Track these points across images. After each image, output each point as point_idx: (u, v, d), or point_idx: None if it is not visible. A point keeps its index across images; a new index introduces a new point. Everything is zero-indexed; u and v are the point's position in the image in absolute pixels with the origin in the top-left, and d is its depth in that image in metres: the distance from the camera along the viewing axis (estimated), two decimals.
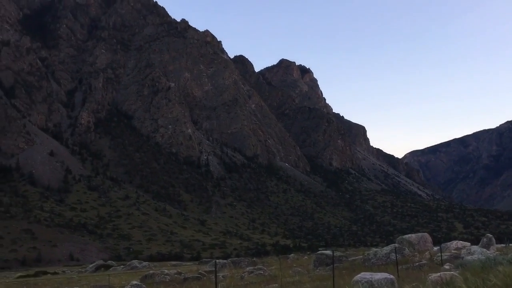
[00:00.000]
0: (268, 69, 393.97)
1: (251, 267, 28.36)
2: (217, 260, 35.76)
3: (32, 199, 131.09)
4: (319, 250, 31.89)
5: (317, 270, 21.99)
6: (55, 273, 60.48)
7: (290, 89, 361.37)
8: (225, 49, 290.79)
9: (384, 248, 22.93)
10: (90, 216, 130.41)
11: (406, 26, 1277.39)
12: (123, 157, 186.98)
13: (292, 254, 54.81)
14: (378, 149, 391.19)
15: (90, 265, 61.63)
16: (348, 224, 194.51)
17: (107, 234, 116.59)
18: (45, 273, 60.76)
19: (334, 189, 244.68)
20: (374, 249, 27.54)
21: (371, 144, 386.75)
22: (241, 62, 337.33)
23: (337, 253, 25.59)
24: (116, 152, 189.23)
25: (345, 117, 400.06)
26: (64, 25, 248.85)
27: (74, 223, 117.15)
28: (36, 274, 58.73)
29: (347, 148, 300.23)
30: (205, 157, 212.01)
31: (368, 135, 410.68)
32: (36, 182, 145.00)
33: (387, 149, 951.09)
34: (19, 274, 59.91)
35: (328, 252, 24.69)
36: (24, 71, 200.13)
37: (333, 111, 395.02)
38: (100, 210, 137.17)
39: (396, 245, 22.64)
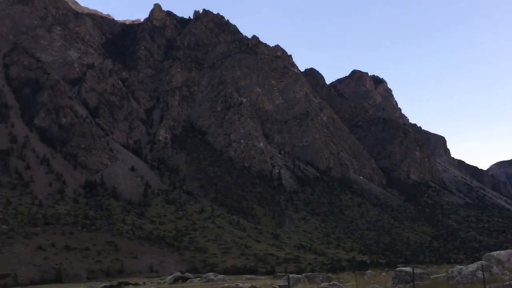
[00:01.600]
0: (339, 80, 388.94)
1: (326, 283, 27.54)
2: (291, 275, 35.16)
3: (115, 213, 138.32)
4: (398, 267, 30.36)
5: None
6: (137, 284, 62.92)
7: (363, 100, 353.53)
8: (295, 62, 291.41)
9: (470, 265, 21.25)
10: (168, 229, 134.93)
11: (483, 29, 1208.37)
12: (198, 172, 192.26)
13: (369, 271, 52.83)
14: (460, 160, 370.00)
15: (169, 277, 63.43)
16: (429, 240, 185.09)
17: (184, 247, 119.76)
18: (127, 283, 63.31)
19: (413, 203, 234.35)
20: (459, 266, 25.65)
21: (452, 156, 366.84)
22: (312, 74, 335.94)
23: (418, 270, 24.13)
24: (192, 167, 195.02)
25: (423, 128, 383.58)
26: (143, 47, 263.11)
27: (153, 235, 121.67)
28: (119, 285, 61.46)
29: (426, 160, 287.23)
30: (277, 171, 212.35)
31: (449, 145, 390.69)
32: (118, 196, 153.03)
33: (470, 161, 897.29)
34: (103, 284, 63.04)
35: (408, 269, 23.35)
36: (107, 91, 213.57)
37: (410, 121, 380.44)
38: (177, 223, 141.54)
39: (483, 262, 20.92)
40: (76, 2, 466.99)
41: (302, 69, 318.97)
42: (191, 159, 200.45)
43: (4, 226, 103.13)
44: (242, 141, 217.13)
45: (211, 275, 56.57)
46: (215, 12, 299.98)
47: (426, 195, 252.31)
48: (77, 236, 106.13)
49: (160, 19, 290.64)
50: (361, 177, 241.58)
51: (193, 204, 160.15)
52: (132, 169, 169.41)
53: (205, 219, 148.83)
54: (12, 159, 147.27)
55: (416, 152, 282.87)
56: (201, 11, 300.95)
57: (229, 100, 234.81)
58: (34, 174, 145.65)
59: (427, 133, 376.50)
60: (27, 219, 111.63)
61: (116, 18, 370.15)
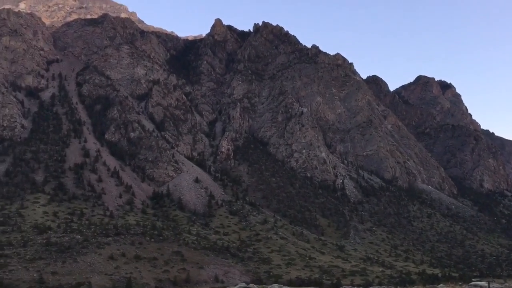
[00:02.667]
0: (404, 87, 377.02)
1: None
2: None
3: (181, 223, 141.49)
4: (472, 281, 28.25)
5: None
6: None
7: (430, 106, 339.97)
8: (357, 70, 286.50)
9: None
10: (232, 239, 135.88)
11: None
12: (260, 182, 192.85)
13: (441, 285, 49.97)
14: None
15: (234, 287, 63.52)
16: (507, 252, 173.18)
17: (248, 258, 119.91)
18: None
19: (487, 213, 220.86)
20: None
21: None
22: (375, 82, 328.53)
23: (495, 285, 22.20)
24: (254, 178, 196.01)
25: (496, 134, 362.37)
26: (205, 62, 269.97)
27: (218, 246, 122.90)
28: None
29: (501, 167, 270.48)
30: (341, 181, 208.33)
31: None
32: (184, 207, 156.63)
33: None
34: None
35: (483, 283, 21.57)
36: (172, 106, 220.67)
37: (482, 127, 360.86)
38: (241, 234, 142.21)
39: None
40: (142, 21, 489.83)
41: (364, 76, 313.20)
42: (253, 170, 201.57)
43: (79, 237, 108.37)
44: (304, 151, 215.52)
45: (275, 286, 55.99)
46: (274, 24, 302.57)
47: (501, 205, 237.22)
48: (145, 246, 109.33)
49: (221, 34, 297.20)
50: (429, 187, 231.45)
51: (256, 215, 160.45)
52: (196, 180, 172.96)
53: (268, 230, 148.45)
54: (85, 172, 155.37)
55: (490, 160, 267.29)
56: (260, 23, 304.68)
57: (290, 110, 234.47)
58: (105, 186, 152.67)
59: (501, 139, 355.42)
60: (100, 230, 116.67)
61: (179, 35, 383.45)
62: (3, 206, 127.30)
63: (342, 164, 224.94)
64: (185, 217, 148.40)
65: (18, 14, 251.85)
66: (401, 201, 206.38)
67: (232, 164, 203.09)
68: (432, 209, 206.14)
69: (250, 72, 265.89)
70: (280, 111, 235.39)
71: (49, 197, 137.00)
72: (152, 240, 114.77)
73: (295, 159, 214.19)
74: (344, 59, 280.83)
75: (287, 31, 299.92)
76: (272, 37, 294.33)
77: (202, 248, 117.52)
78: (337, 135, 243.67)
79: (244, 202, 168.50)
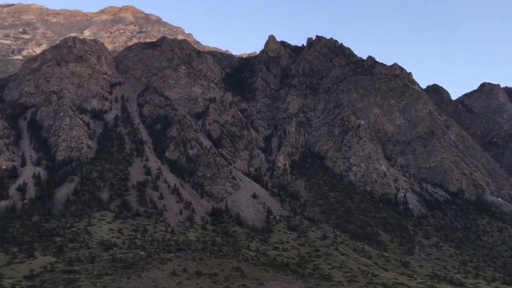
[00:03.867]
0: (467, 95, 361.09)
1: None
2: None
3: (240, 239, 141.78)
4: None
5: None
6: None
7: (496, 114, 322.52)
8: (416, 80, 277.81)
9: None
10: (291, 255, 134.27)
11: None
12: (318, 197, 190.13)
13: None
14: None
15: None
16: None
17: (308, 274, 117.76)
18: None
19: None
20: None
21: None
22: (435, 91, 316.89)
23: None
24: (312, 193, 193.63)
25: None
26: (260, 78, 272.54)
27: (277, 262, 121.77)
28: None
29: None
30: (403, 194, 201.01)
31: None
32: (242, 222, 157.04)
33: None
34: None
35: None
36: (228, 123, 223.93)
37: None
38: (300, 249, 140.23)
39: None
40: (198, 42, 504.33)
41: (423, 86, 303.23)
42: (311, 184, 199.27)
43: (142, 253, 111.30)
44: (363, 164, 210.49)
45: None
46: (328, 37, 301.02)
47: None
48: (206, 262, 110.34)
49: (275, 50, 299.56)
50: (499, 199, 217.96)
51: (315, 230, 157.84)
52: (254, 196, 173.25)
53: (328, 245, 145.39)
54: (147, 190, 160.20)
55: None
56: (314, 37, 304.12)
57: (347, 123, 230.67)
58: (166, 203, 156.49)
59: None
60: (162, 246, 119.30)
61: (234, 53, 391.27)
62: (72, 224, 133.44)
63: (403, 177, 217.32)
64: (243, 233, 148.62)
65: (83, 41, 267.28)
66: (468, 215, 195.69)
67: (289, 179, 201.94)
68: (503, 223, 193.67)
69: (304, 86, 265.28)
70: (337, 124, 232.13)
71: (114, 214, 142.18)
72: (213, 256, 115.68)
73: (354, 172, 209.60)
74: (402, 69, 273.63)
75: (341, 44, 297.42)
76: (326, 50, 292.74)
77: (262, 264, 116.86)
78: (397, 147, 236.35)
79: (303, 218, 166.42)
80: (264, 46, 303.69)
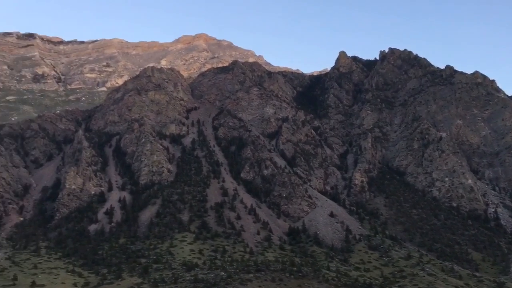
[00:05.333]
0: None
1: None
2: None
3: (319, 259, 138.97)
4: None
5: None
6: None
7: None
8: (500, 87, 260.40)
9: None
10: (374, 276, 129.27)
11: None
12: (399, 215, 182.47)
13: None
14: None
15: None
16: None
17: None
18: None
19: None
20: None
21: None
22: None
23: None
24: (392, 210, 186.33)
25: None
26: (332, 95, 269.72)
27: (359, 283, 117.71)
28: None
29: None
30: (493, 210, 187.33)
31: None
32: (320, 242, 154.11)
33: None
34: None
35: None
36: (302, 141, 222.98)
37: None
38: (383, 270, 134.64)
39: None
40: (269, 63, 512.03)
41: (509, 93, 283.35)
42: (391, 202, 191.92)
43: (223, 273, 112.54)
44: (447, 179, 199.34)
45: None
46: (401, 49, 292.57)
47: None
48: (286, 282, 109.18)
49: (346, 65, 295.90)
50: None
51: (398, 250, 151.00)
52: (332, 215, 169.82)
53: (414, 265, 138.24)
54: (225, 210, 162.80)
55: None
56: (386, 50, 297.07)
57: (427, 136, 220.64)
58: (244, 223, 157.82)
59: None
60: (241, 266, 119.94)
61: (304, 72, 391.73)
62: (156, 245, 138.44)
63: (493, 191, 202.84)
64: (322, 253, 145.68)
65: (161, 70, 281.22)
66: None
67: (368, 196, 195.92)
68: None
69: (379, 100, 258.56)
70: (416, 138, 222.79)
71: (194, 235, 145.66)
72: (292, 276, 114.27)
73: (437, 188, 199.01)
74: (484, 77, 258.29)
75: (416, 55, 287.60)
76: (400, 62, 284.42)
77: (343, 285, 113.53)
78: (483, 159, 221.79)
79: (384, 236, 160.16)
80: (335, 63, 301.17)
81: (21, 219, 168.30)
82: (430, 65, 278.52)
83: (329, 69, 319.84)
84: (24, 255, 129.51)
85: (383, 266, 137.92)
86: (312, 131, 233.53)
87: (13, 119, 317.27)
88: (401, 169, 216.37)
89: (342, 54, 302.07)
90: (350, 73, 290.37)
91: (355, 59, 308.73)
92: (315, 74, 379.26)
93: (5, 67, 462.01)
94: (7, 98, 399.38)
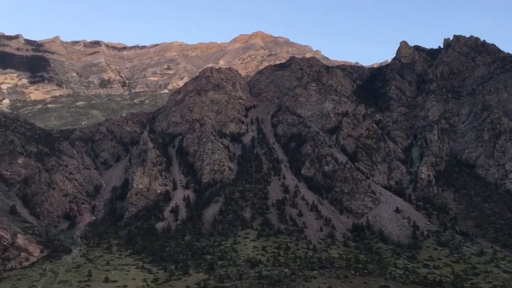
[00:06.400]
0: None
1: None
2: None
3: (385, 256, 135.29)
4: None
5: None
6: None
7: None
8: None
9: None
10: (444, 273, 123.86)
11: None
12: (470, 210, 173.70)
13: None
14: None
15: None
16: None
17: None
18: None
19: None
20: None
21: None
22: None
23: None
24: (462, 205, 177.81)
25: None
26: (393, 87, 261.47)
27: (429, 280, 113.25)
28: None
29: None
30: None
31: None
32: (386, 239, 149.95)
33: None
34: None
35: None
36: (363, 136, 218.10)
37: None
38: (454, 267, 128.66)
39: None
40: (327, 58, 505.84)
41: None
42: (461, 196, 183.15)
43: (287, 270, 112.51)
44: None
45: None
46: (467, 36, 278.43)
47: None
48: (351, 280, 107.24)
49: (408, 56, 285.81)
50: None
51: (470, 245, 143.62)
52: (397, 210, 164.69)
53: (487, 262, 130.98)
54: (286, 207, 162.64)
55: None
56: (451, 38, 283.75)
57: (498, 126, 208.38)
58: (306, 220, 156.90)
59: None
60: (305, 263, 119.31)
61: (364, 64, 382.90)
62: (220, 242, 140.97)
63: None
64: (388, 250, 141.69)
65: (219, 70, 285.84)
66: None
67: (435, 191, 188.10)
68: None
69: (445, 90, 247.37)
70: (486, 129, 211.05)
71: (257, 232, 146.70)
72: (357, 273, 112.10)
73: (511, 180, 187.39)
74: None
75: (484, 41, 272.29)
76: (466, 50, 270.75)
77: (412, 282, 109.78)
78: None
79: (454, 232, 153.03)
80: (396, 53, 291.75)
81: (94, 218, 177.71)
82: (499, 51, 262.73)
83: (390, 60, 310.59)
84: (97, 252, 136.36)
85: (454, 263, 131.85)
86: (374, 125, 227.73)
87: (83, 123, 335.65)
88: (470, 161, 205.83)
89: (404, 44, 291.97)
90: (413, 63, 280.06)
91: (417, 48, 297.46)
92: (375, 66, 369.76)
93: (75, 74, 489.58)
94: (77, 103, 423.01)
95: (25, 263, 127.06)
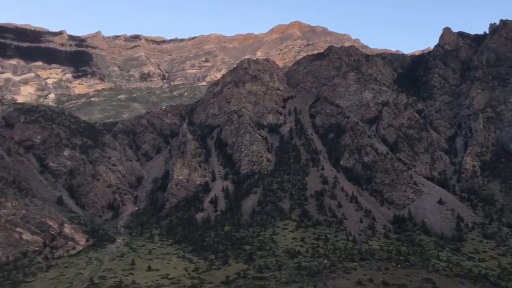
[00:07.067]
0: None
1: None
2: None
3: (428, 248, 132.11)
4: None
5: None
6: None
7: None
8: None
9: None
10: (490, 266, 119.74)
11: None
12: None
13: None
14: None
15: None
16: None
17: None
18: None
19: None
20: None
21: None
22: None
23: None
24: (510, 196, 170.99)
25: None
26: (436, 74, 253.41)
27: (473, 273, 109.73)
28: None
29: None
30: None
31: None
32: (429, 231, 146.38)
33: None
34: None
35: None
36: (404, 125, 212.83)
37: None
38: (501, 260, 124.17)
39: None
40: (366, 46, 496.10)
41: None
42: (508, 187, 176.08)
43: (326, 261, 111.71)
44: None
45: None
46: None
47: None
48: (392, 272, 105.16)
49: (452, 42, 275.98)
50: None
51: None
52: (440, 202, 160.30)
53: None
54: (325, 198, 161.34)
55: None
56: (497, 23, 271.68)
57: None
58: (345, 211, 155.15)
59: None
60: (345, 255, 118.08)
61: (405, 52, 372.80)
62: (259, 233, 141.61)
63: None
64: (431, 242, 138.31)
65: (256, 61, 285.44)
66: None
67: (481, 182, 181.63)
68: None
69: (491, 77, 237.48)
70: None
71: (295, 223, 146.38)
72: (399, 266, 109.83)
73: None
74: None
75: None
76: None
77: (455, 275, 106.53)
78: None
79: (500, 224, 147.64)
80: (439, 40, 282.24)
81: (136, 208, 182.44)
82: None
83: (432, 47, 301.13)
84: (140, 242, 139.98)
85: (501, 256, 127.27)
86: (416, 114, 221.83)
87: (124, 116, 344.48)
88: None
89: (447, 30, 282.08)
90: (457, 50, 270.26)
91: (461, 34, 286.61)
92: (416, 54, 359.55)
93: (116, 68, 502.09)
94: (119, 97, 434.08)
95: (72, 252, 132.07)
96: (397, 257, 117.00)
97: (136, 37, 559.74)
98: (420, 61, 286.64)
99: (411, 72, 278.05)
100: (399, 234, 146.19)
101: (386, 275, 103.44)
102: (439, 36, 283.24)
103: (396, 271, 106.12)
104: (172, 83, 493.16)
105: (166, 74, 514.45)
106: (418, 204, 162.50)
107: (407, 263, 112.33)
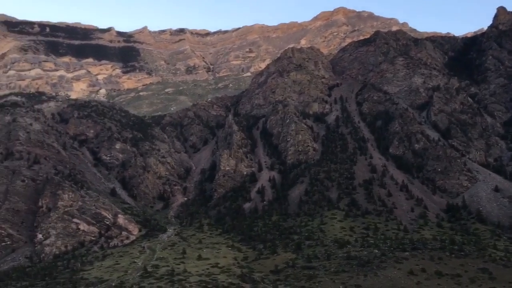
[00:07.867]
0: None
1: None
2: None
3: (483, 237, 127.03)
4: None
5: None
6: None
7: None
8: None
9: None
10: None
11: None
12: None
13: None
14: None
15: None
16: None
17: None
18: None
19: None
20: None
21: None
22: None
23: None
24: None
25: None
26: (490, 57, 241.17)
27: None
28: None
29: None
30: None
31: None
32: (484, 219, 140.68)
33: None
34: None
35: None
36: (457, 111, 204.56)
37: None
38: None
39: None
40: (415, 30, 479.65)
41: None
42: None
43: (376, 251, 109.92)
44: None
45: None
46: None
47: None
48: (446, 261, 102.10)
49: (507, 22, 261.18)
50: None
51: None
52: (496, 189, 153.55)
53: None
54: (374, 187, 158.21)
55: None
56: None
57: None
58: (395, 200, 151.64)
59: None
60: (396, 244, 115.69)
61: (456, 34, 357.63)
62: (306, 223, 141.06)
63: None
64: (487, 231, 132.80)
65: (301, 50, 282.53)
66: None
67: None
68: None
69: None
70: None
71: (344, 213, 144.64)
72: (453, 255, 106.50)
73: None
74: None
75: None
76: None
77: None
78: None
79: None
80: (493, 20, 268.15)
81: (185, 199, 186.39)
82: None
83: (485, 28, 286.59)
84: (190, 231, 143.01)
85: None
86: (469, 98, 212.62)
87: (172, 109, 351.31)
88: None
89: (501, 10, 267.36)
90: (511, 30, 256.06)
91: None
92: (469, 36, 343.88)
93: (163, 62, 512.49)
94: (166, 90, 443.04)
95: (126, 241, 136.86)
96: (451, 246, 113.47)
97: (181, 31, 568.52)
98: (472, 43, 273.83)
99: (463, 55, 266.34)
100: (452, 223, 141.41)
101: (439, 265, 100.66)
102: (493, 16, 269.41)
103: (450, 261, 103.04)
104: (217, 75, 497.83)
105: (211, 66, 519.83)
106: (472, 192, 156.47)
107: (462, 253, 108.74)
